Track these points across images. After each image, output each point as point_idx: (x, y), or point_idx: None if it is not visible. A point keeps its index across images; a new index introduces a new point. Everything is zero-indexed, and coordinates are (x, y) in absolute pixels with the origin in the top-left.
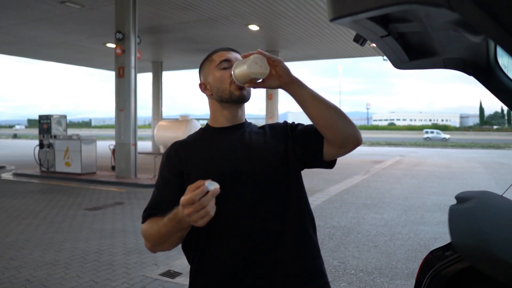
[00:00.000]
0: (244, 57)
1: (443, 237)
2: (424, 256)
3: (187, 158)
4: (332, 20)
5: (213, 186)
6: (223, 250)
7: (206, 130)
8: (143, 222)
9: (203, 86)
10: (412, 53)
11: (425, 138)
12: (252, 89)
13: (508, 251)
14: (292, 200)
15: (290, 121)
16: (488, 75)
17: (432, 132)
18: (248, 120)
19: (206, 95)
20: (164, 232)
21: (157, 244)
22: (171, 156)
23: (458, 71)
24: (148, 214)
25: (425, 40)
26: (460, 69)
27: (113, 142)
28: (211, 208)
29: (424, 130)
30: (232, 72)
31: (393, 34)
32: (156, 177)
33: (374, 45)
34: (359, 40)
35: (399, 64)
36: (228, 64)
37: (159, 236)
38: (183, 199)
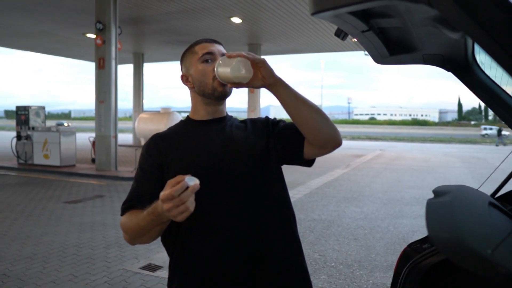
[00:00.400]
0: (228, 57)
1: (421, 230)
2: (402, 249)
3: (167, 150)
4: (313, 14)
5: (193, 181)
6: (203, 244)
7: (187, 123)
8: (122, 214)
9: (184, 78)
10: (393, 48)
11: (483, 135)
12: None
13: (481, 244)
14: (272, 194)
15: (272, 116)
16: (466, 72)
17: (491, 129)
18: (230, 113)
19: (188, 87)
20: (143, 226)
21: (136, 237)
22: (150, 148)
23: (437, 67)
24: (127, 207)
25: (405, 35)
26: (439, 65)
27: (92, 134)
28: (191, 204)
29: (482, 126)
30: (215, 70)
31: (374, 29)
32: (136, 169)
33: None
34: (340, 34)
35: (379, 59)
36: (211, 57)
37: (138, 229)
38: (162, 194)
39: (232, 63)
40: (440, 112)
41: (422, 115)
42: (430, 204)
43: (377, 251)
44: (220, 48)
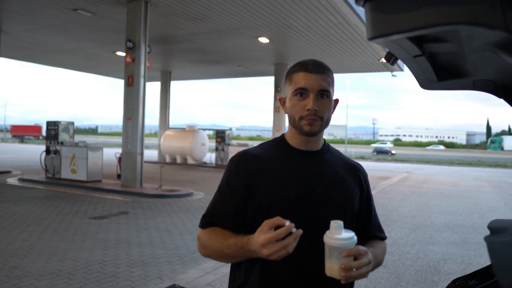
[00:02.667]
0: (344, 256)
1: (453, 259)
2: (434, 278)
3: (257, 172)
4: (371, 39)
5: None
6: (282, 273)
7: (282, 145)
8: (202, 227)
9: (282, 101)
10: (442, 73)
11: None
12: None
13: None
14: None
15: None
16: None
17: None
18: (257, 132)
19: (284, 111)
20: (228, 253)
21: (215, 257)
22: (241, 167)
23: (486, 93)
24: (208, 222)
25: (457, 60)
26: (490, 91)
27: (119, 150)
28: (291, 249)
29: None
30: (324, 238)
31: (426, 54)
32: (220, 183)
33: (383, 60)
34: (391, 59)
35: (426, 84)
36: (304, 92)
37: (220, 253)
38: (263, 238)
39: (337, 270)
40: (468, 134)
41: (449, 137)
42: (492, 244)
43: (407, 279)
44: (320, 82)
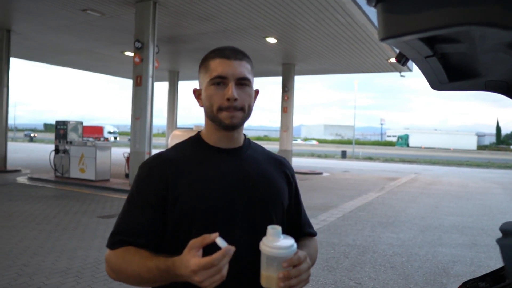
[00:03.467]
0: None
1: (463, 261)
2: (443, 280)
3: (175, 181)
4: (383, 39)
5: (223, 243)
6: None
7: (199, 145)
8: (112, 247)
9: (196, 94)
10: (453, 74)
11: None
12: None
13: None
14: None
15: (303, 135)
16: None
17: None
18: (264, 132)
19: (199, 105)
20: (147, 278)
21: (130, 282)
22: (154, 174)
23: (498, 93)
24: (118, 240)
25: (469, 61)
26: (502, 92)
27: (126, 149)
28: (225, 270)
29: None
30: (260, 246)
31: (437, 55)
32: (129, 192)
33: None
34: (402, 59)
35: (437, 85)
36: (222, 81)
37: (137, 279)
38: (195, 263)
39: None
40: (477, 135)
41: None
42: (506, 247)
43: (416, 281)
44: (239, 69)
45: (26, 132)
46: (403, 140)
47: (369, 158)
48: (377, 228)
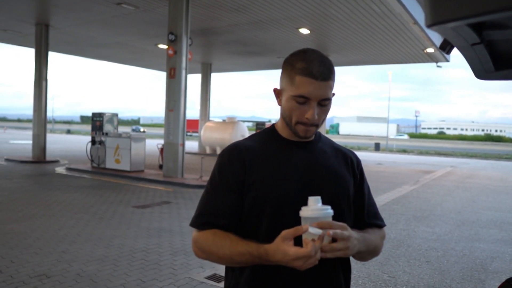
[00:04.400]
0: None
1: (502, 257)
2: (480, 277)
3: (252, 167)
4: (430, 25)
5: (317, 231)
6: (275, 273)
7: (274, 137)
8: (199, 229)
9: (276, 93)
10: (500, 62)
11: None
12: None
13: None
14: None
15: (340, 129)
16: None
17: None
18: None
19: (277, 103)
20: (238, 261)
21: (218, 262)
22: (234, 160)
23: None
24: (205, 222)
25: None
26: None
27: (160, 141)
28: (319, 255)
29: None
30: (300, 213)
31: (484, 42)
32: (211, 176)
33: (429, 50)
34: (447, 47)
35: (483, 74)
36: (305, 101)
37: (229, 260)
38: (295, 253)
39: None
40: None
41: (496, 130)
42: None
43: (452, 276)
44: (323, 91)
45: (134, 127)
46: (334, 129)
47: (403, 151)
48: (411, 222)
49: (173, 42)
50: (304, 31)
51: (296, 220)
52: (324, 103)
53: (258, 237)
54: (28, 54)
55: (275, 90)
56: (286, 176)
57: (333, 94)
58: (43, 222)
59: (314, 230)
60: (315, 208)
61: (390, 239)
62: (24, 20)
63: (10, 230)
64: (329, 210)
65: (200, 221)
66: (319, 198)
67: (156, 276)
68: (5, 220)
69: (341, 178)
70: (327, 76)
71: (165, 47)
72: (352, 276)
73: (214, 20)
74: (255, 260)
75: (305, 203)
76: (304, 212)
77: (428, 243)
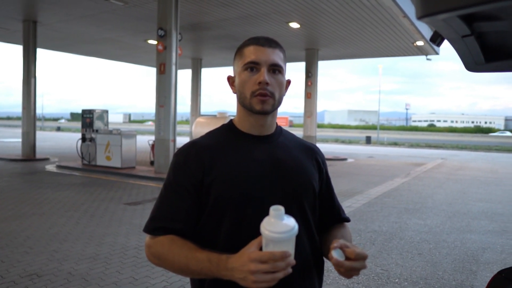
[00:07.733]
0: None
1: (493, 248)
2: (472, 268)
3: (211, 165)
4: (421, 17)
5: (340, 256)
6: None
7: (232, 132)
8: (152, 234)
9: (230, 81)
10: (490, 54)
11: None
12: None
13: None
14: (312, 229)
15: (326, 121)
16: None
17: None
18: (289, 117)
19: (232, 91)
20: (194, 270)
21: (172, 270)
22: (190, 160)
23: None
24: (159, 227)
25: (509, 40)
26: None
27: (151, 137)
28: (279, 276)
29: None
30: (261, 229)
31: (475, 34)
32: (166, 178)
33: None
34: (437, 39)
35: (473, 66)
36: (255, 66)
37: (183, 268)
38: (257, 254)
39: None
40: (506, 119)
41: (486, 122)
42: None
43: (444, 268)
44: (272, 56)
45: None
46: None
47: (394, 144)
48: (403, 215)
49: (163, 38)
50: (294, 25)
51: (260, 219)
52: (276, 69)
53: (218, 239)
54: (17, 50)
55: (229, 78)
56: (247, 172)
57: (289, 81)
58: (34, 221)
59: (338, 254)
60: (277, 231)
61: (382, 232)
62: (11, 17)
63: (0, 229)
64: (293, 232)
65: (153, 226)
66: (281, 212)
67: (149, 274)
68: None
69: (305, 171)
70: (274, 44)
71: (155, 42)
72: None
73: (203, 15)
74: (211, 269)
75: (268, 200)
76: (265, 232)
77: (420, 235)
